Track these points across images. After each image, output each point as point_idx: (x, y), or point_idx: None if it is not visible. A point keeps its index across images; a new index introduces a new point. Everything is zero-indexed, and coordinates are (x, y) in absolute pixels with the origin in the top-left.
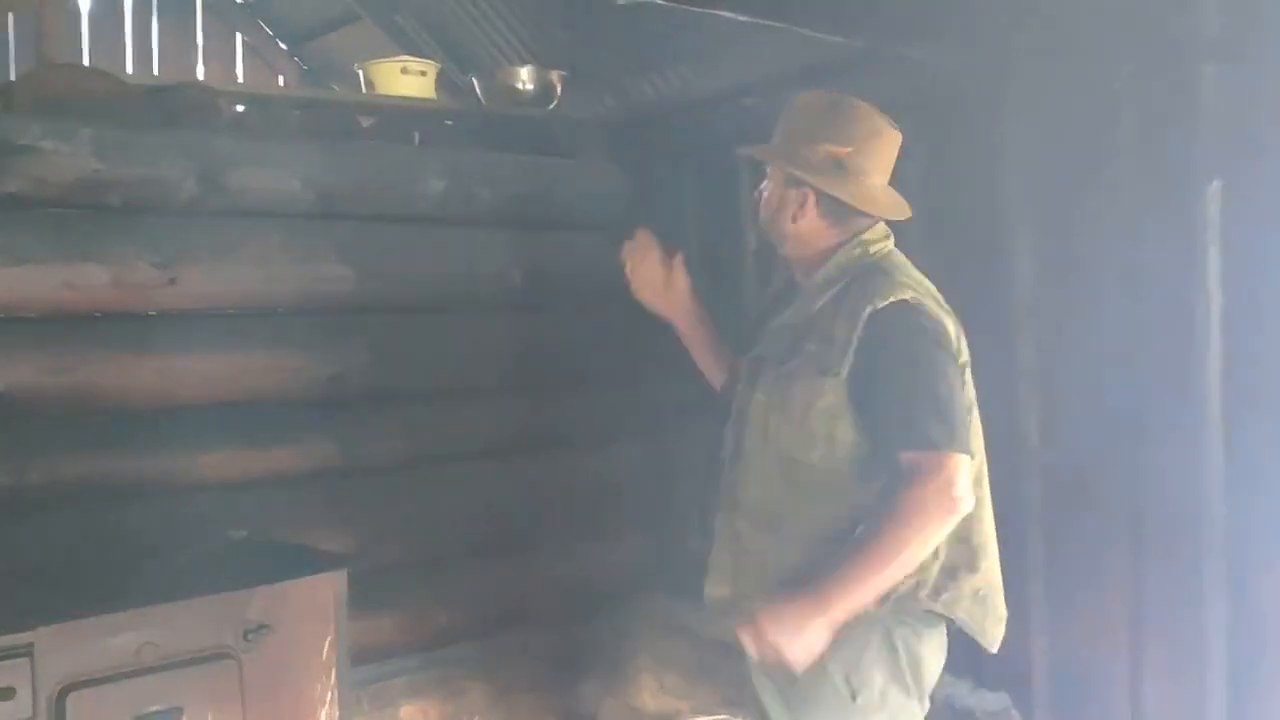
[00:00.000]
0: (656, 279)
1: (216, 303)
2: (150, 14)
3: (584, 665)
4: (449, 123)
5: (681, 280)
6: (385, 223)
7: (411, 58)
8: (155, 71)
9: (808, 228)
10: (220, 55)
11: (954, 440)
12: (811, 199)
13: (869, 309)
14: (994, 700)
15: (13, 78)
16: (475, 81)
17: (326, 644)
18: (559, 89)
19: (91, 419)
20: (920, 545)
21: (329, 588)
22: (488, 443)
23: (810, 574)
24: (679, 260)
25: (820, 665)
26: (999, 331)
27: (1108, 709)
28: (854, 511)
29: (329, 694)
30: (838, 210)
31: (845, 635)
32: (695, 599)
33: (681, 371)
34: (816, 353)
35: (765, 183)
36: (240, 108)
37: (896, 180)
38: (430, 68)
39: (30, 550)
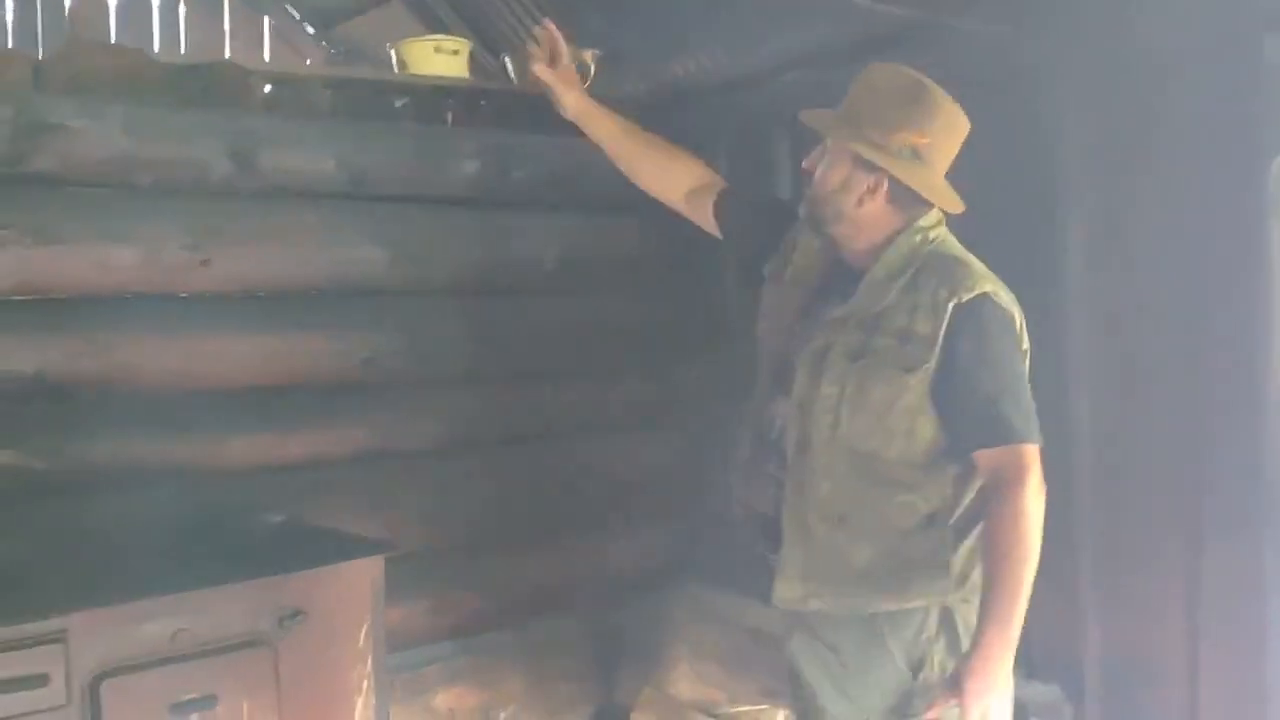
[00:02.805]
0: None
1: (248, 284)
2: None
3: (620, 654)
4: (483, 103)
5: (566, 70)
6: (419, 204)
7: (444, 36)
8: (182, 54)
9: (873, 213)
10: (247, 39)
11: (1033, 432)
12: (885, 185)
13: (954, 302)
14: (1045, 692)
15: (41, 57)
16: (508, 61)
17: (363, 631)
18: (593, 69)
19: (123, 402)
20: (1038, 539)
21: (366, 573)
22: (522, 427)
23: (883, 567)
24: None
25: (880, 645)
26: (1050, 312)
27: (1163, 701)
28: (928, 503)
29: (365, 682)
30: (906, 198)
31: (904, 615)
32: (732, 587)
33: (717, 356)
34: (895, 348)
35: (822, 156)
36: (268, 88)
37: None
38: (463, 46)
39: (63, 535)
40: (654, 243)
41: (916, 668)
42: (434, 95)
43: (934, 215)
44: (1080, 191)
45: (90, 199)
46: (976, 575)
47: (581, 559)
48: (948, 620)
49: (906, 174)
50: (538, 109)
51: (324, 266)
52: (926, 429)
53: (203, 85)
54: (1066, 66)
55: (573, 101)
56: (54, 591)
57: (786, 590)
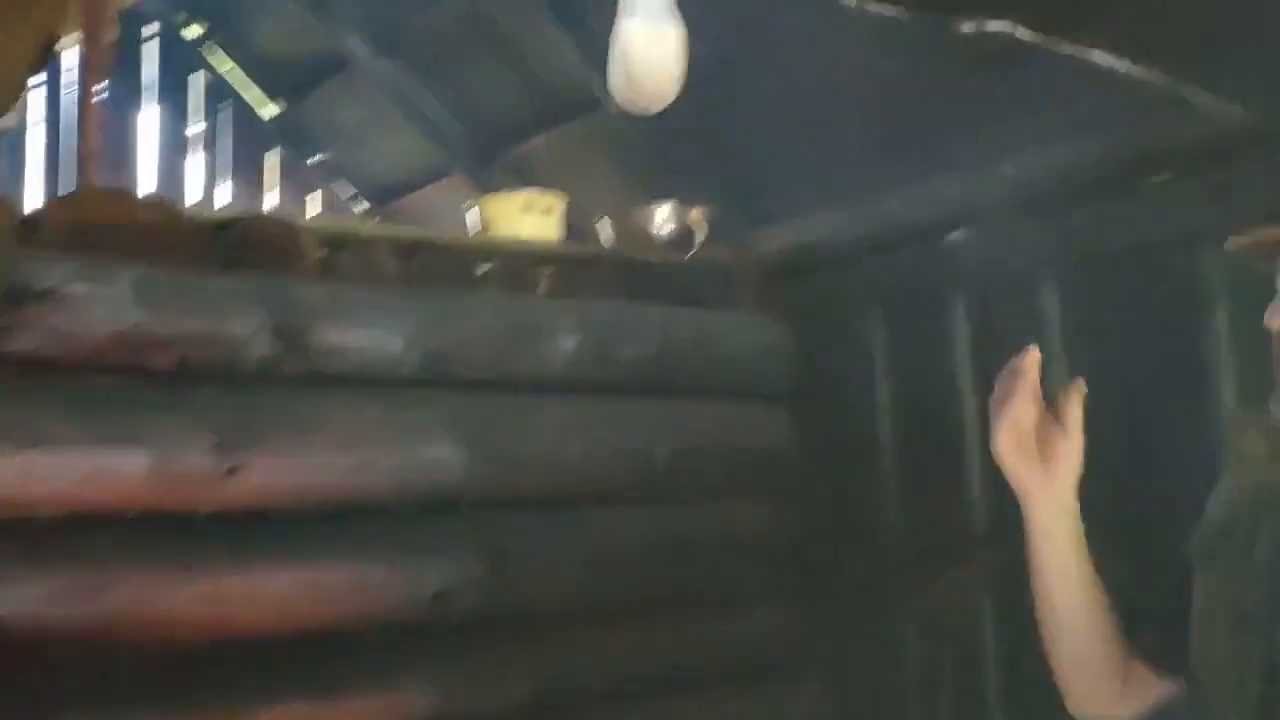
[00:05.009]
0: (1027, 431)
1: (288, 498)
2: (216, 170)
3: None
4: (582, 269)
5: (1073, 445)
6: (505, 391)
7: (534, 191)
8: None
9: None
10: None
11: None
12: None
13: None
14: None
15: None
16: (605, 222)
17: None
18: (703, 230)
19: (118, 660)
20: None
21: None
22: (632, 681)
23: None
24: (1074, 409)
25: None
26: None
27: None
28: None
29: None
30: None
31: None
32: None
33: (888, 592)
34: None
35: None
36: (321, 253)
37: None
38: (555, 203)
39: None
40: (793, 433)
41: None
42: (523, 260)
43: None
44: None
45: (87, 388)
46: None
47: None
48: None
49: None
50: (646, 276)
51: (386, 473)
52: None
53: (241, 245)
54: None
55: (1055, 506)
56: None
57: None
